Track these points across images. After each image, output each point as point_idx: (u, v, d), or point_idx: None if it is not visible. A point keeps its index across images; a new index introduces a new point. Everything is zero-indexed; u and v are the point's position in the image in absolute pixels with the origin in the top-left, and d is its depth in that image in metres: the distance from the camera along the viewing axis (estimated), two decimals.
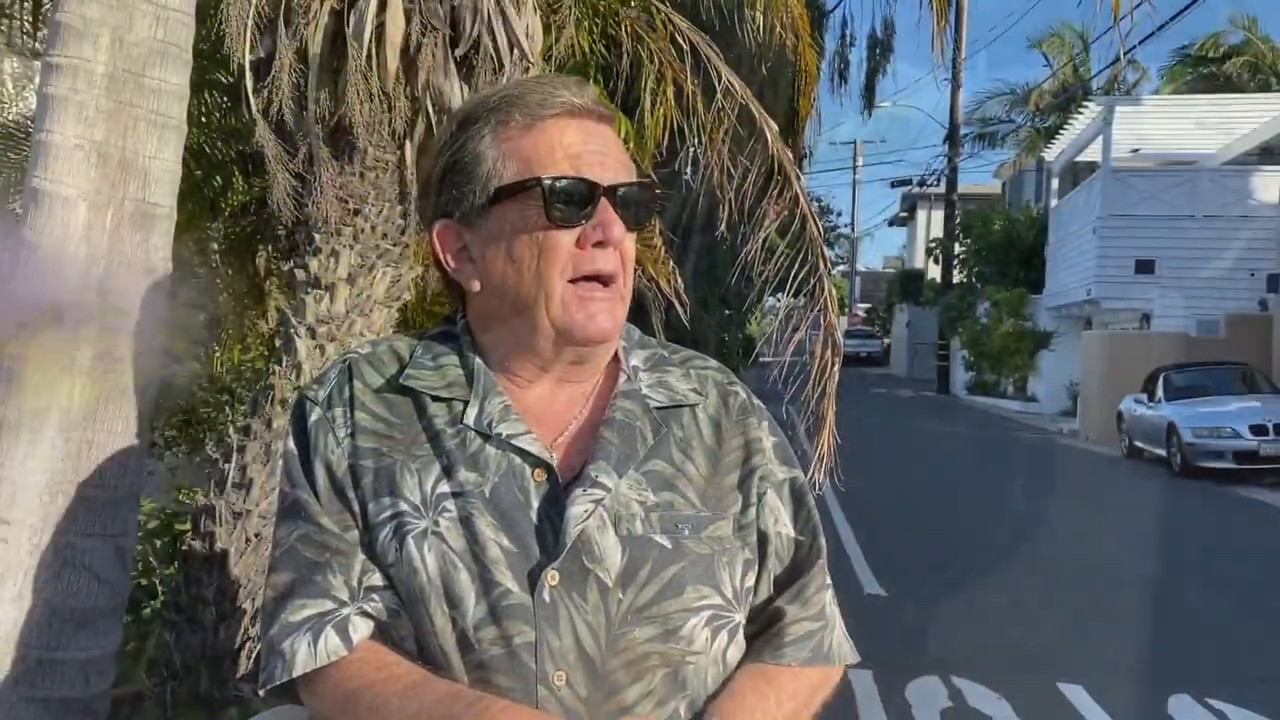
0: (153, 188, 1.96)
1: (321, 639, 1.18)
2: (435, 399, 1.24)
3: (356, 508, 1.21)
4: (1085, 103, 20.82)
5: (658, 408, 1.28)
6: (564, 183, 1.18)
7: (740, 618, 1.26)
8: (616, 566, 1.18)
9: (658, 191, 1.24)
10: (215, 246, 5.16)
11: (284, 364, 2.70)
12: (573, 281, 1.20)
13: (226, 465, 2.64)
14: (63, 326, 1.85)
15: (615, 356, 1.31)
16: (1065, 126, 21.53)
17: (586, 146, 1.20)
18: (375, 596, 1.21)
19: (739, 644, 1.27)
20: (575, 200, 1.19)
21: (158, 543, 4.40)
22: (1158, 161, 20.17)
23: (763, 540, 1.28)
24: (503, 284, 1.23)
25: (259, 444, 2.63)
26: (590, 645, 1.16)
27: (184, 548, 2.70)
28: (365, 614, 1.20)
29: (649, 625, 1.18)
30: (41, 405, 1.86)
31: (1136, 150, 19.65)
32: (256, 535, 2.59)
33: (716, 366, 1.38)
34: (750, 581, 1.27)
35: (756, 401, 1.37)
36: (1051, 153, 22.88)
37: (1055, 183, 23.11)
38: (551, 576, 1.16)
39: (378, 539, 1.20)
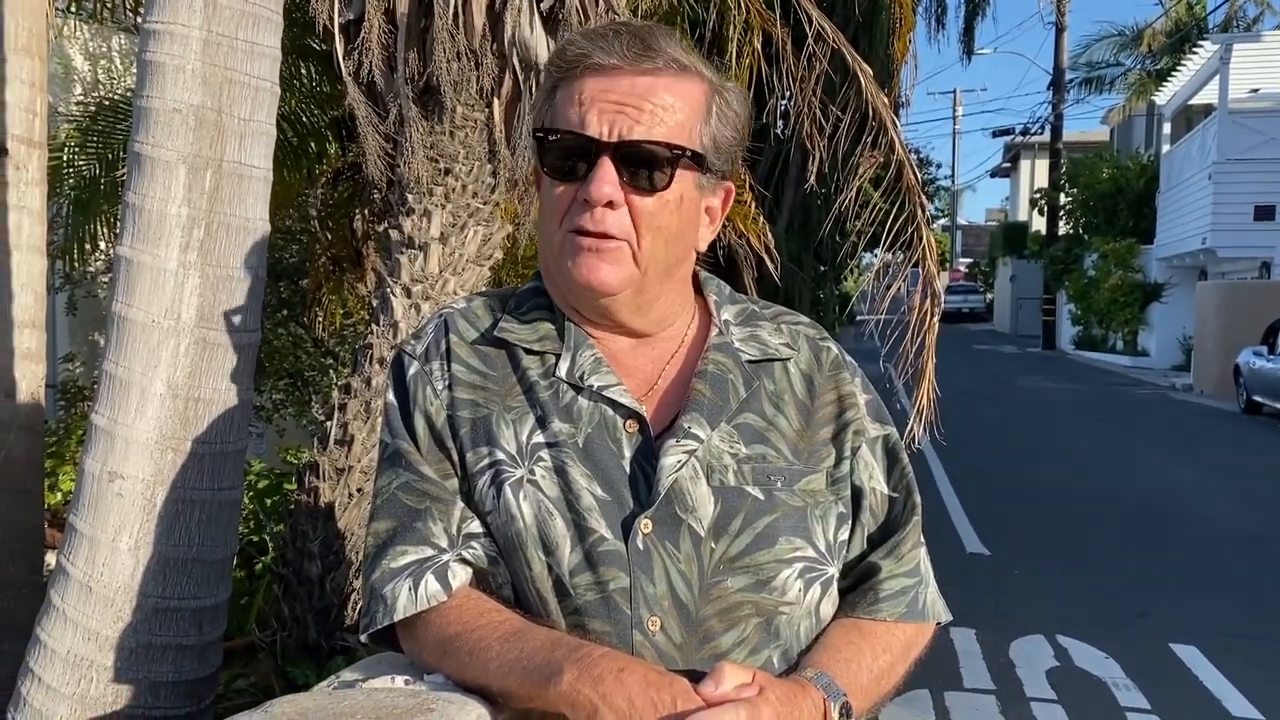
0: (248, 150, 1.99)
1: (422, 584, 1.21)
2: (528, 351, 1.26)
3: (455, 457, 1.24)
4: (1200, 42, 19.80)
5: (750, 361, 1.28)
6: (555, 136, 1.18)
7: (833, 571, 1.25)
8: (709, 517, 1.19)
9: (680, 152, 1.17)
10: (314, 212, 5.28)
11: (381, 323, 2.74)
12: (572, 231, 1.19)
13: (329, 423, 2.71)
14: (167, 286, 1.91)
15: (707, 310, 1.32)
16: (1178, 68, 20.52)
17: (605, 98, 1.17)
18: (474, 544, 1.24)
19: (832, 597, 1.27)
20: (569, 154, 1.18)
21: (267, 501, 4.55)
22: (1278, 102, 19.10)
23: (857, 495, 1.29)
24: (538, 232, 1.28)
25: (359, 402, 2.69)
26: (684, 592, 1.18)
27: (291, 504, 2.78)
28: (464, 560, 1.23)
29: (742, 575, 1.19)
30: (150, 364, 1.92)
31: (1256, 90, 18.62)
32: (359, 490, 2.65)
33: (808, 322, 1.37)
34: (844, 535, 1.27)
35: (848, 358, 1.36)
36: (1163, 96, 21.85)
37: (1167, 128, 22.10)
38: (645, 525, 1.17)
39: (476, 487, 1.23)
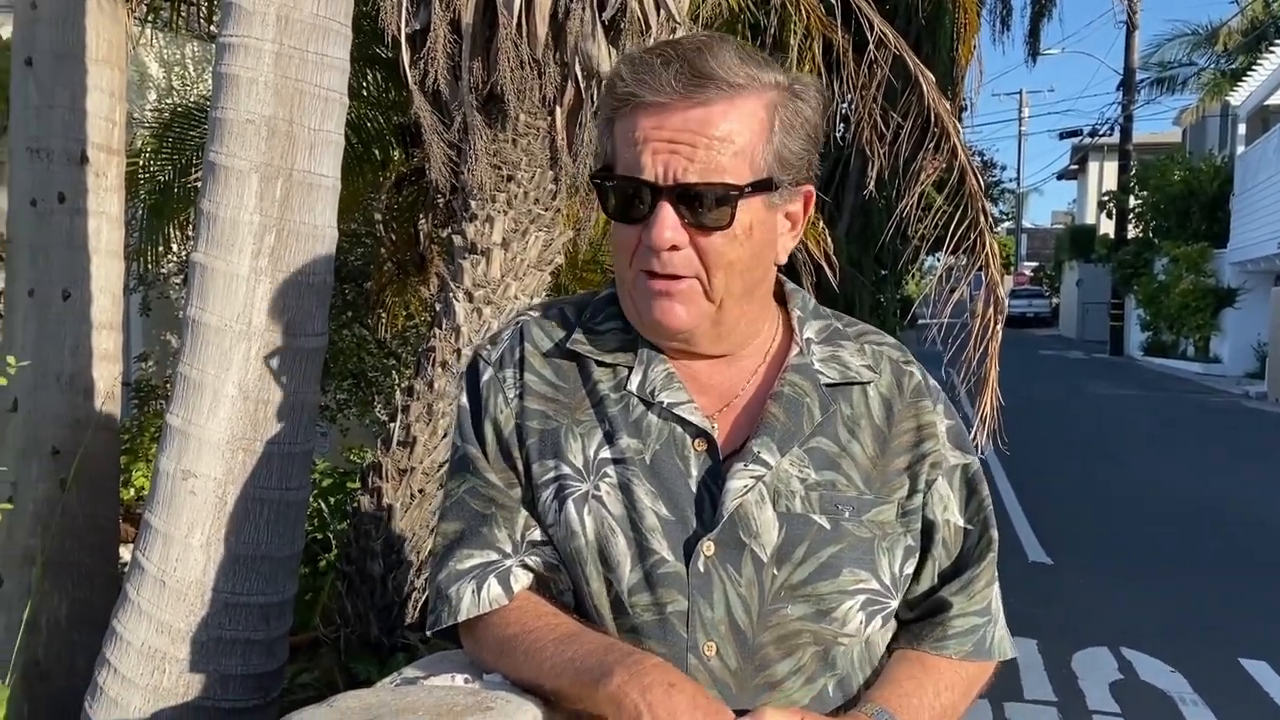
0: (318, 159, 2.05)
1: (485, 587, 1.23)
2: (600, 364, 1.25)
3: (521, 466, 1.25)
4: (1278, 40, 19.26)
5: (828, 384, 1.24)
6: (612, 182, 1.17)
7: (895, 604, 1.24)
8: (773, 543, 1.17)
9: (740, 191, 1.12)
10: (379, 216, 5.37)
11: (444, 327, 2.79)
12: (643, 271, 1.17)
13: (392, 425, 2.76)
14: (239, 291, 1.97)
15: (789, 327, 1.29)
16: (1254, 67, 20.00)
17: (658, 136, 1.12)
18: (538, 551, 1.25)
19: (889, 628, 1.27)
20: (628, 198, 1.16)
21: (331, 500, 4.65)
22: None
23: (928, 529, 1.25)
24: (612, 259, 1.27)
25: (422, 404, 2.74)
26: (742, 618, 1.17)
27: (354, 504, 2.84)
28: (526, 566, 1.25)
29: (802, 603, 1.17)
30: (222, 366, 1.98)
31: None
32: (420, 491, 2.70)
33: (893, 343, 1.33)
34: (910, 569, 1.24)
35: (933, 383, 1.31)
36: (1238, 96, 21.30)
37: (1242, 128, 21.53)
38: (707, 547, 1.16)
39: (540, 498, 1.24)
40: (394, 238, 5.22)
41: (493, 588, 1.23)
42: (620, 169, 1.16)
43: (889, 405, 1.26)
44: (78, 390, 2.90)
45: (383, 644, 2.68)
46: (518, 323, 1.32)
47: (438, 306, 2.96)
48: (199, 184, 2.43)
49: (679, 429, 1.21)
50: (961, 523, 1.27)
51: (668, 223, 1.13)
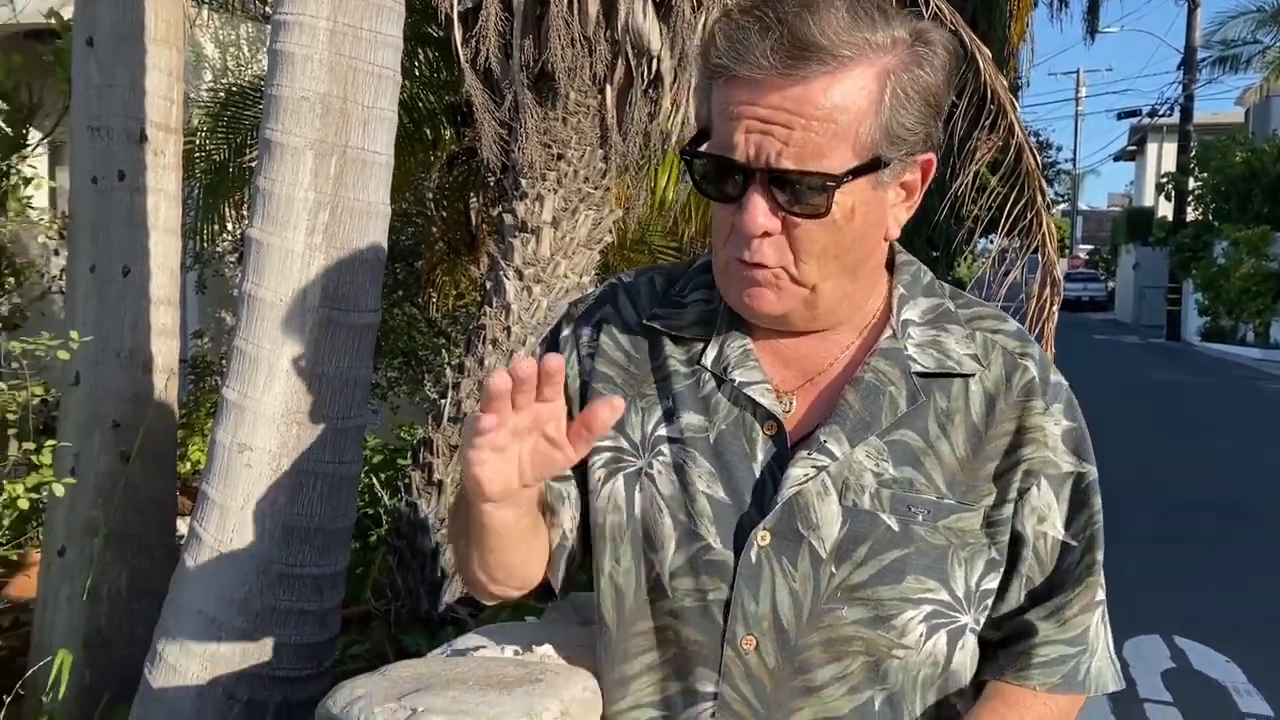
0: (371, 136, 2.06)
1: None
2: (676, 339, 1.21)
3: None
4: None
5: (920, 373, 1.14)
6: (701, 162, 1.09)
7: (968, 620, 1.14)
8: (833, 538, 1.10)
9: (837, 181, 1.03)
10: (430, 195, 5.41)
11: (494, 305, 2.81)
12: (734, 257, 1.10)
13: (443, 401, 2.79)
14: (294, 267, 1.99)
15: (889, 305, 1.18)
16: None
17: (752, 113, 1.02)
18: (554, 483, 1.22)
19: (969, 649, 1.16)
20: (719, 177, 1.08)
21: (382, 476, 4.71)
22: None
23: (1016, 541, 1.15)
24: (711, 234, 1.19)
25: (472, 381, 2.76)
26: (788, 615, 1.11)
27: (405, 479, 2.88)
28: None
29: (859, 607, 1.10)
30: (277, 341, 2.01)
31: None
32: None
33: (1013, 330, 1.19)
34: (991, 584, 1.15)
35: (1055, 379, 1.17)
36: None
37: None
38: (762, 536, 1.11)
39: (590, 464, 1.20)
40: (445, 217, 5.26)
41: None
42: (714, 141, 1.07)
43: (992, 402, 1.14)
44: (137, 365, 2.96)
45: (432, 617, 2.72)
46: (610, 285, 1.28)
47: (488, 285, 2.98)
48: (254, 163, 2.46)
49: (748, 410, 1.15)
50: (1062, 536, 1.15)
51: (759, 209, 1.04)
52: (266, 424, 2.02)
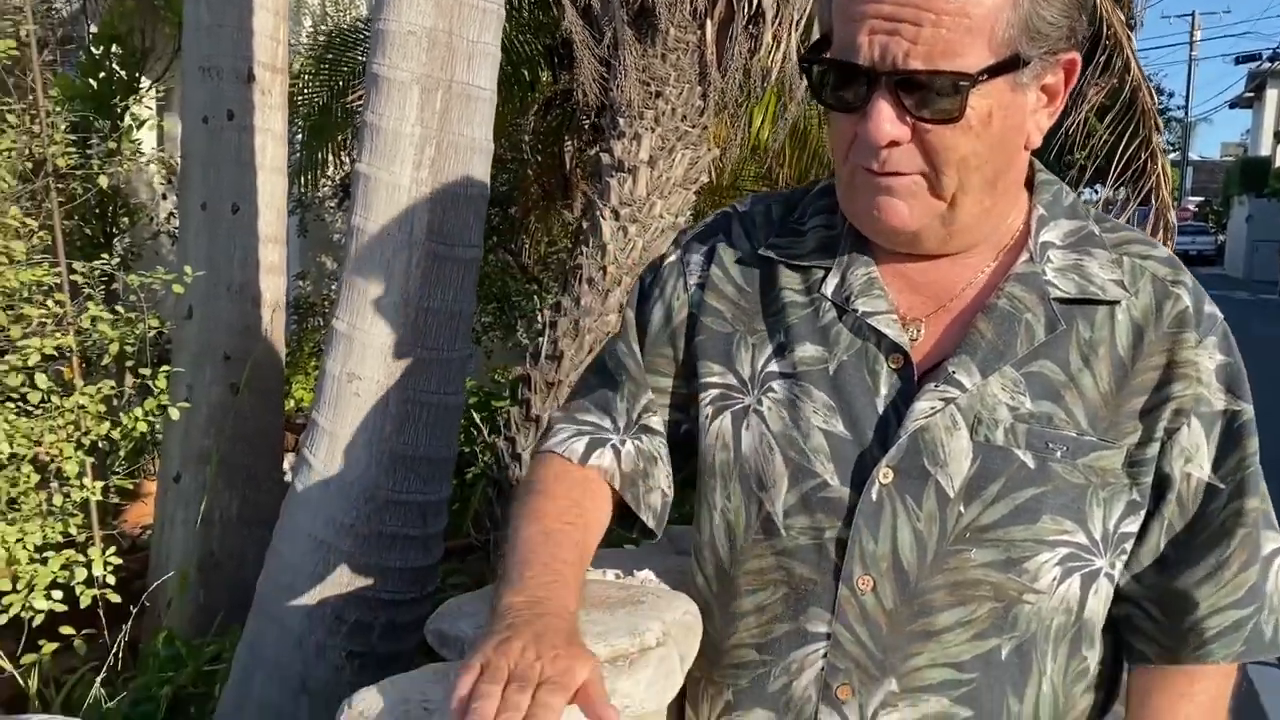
0: (476, 71, 2.08)
1: (576, 439, 1.21)
2: (793, 267, 1.15)
3: (682, 358, 1.20)
4: None
5: (1060, 299, 1.06)
6: (820, 70, 1.02)
7: (1103, 564, 1.07)
8: (962, 475, 1.04)
9: (971, 80, 0.95)
10: (526, 139, 5.43)
11: (590, 245, 2.82)
12: (860, 166, 1.04)
13: (540, 339, 2.82)
14: (401, 202, 2.03)
15: (1027, 226, 1.11)
16: None
17: (877, 12, 0.95)
18: (643, 439, 1.22)
19: (1101, 595, 1.09)
20: (840, 84, 1.01)
21: (477, 416, 4.81)
22: None
23: (1161, 484, 1.07)
24: (829, 149, 1.13)
25: (568, 320, 2.79)
26: (909, 557, 1.06)
27: (504, 415, 2.93)
28: (616, 449, 1.21)
29: (989, 549, 1.04)
30: (384, 274, 2.05)
31: None
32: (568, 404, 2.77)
33: (1163, 256, 1.10)
34: (1130, 527, 1.07)
35: (1210, 310, 1.09)
36: None
37: None
38: (884, 474, 1.06)
39: (700, 401, 1.17)
40: (540, 161, 5.28)
41: (578, 444, 1.20)
42: (835, 47, 1.00)
43: (1139, 332, 1.06)
44: (246, 300, 3.06)
45: None
46: (724, 213, 1.23)
47: (584, 225, 2.99)
48: (357, 104, 2.49)
49: (871, 340, 1.09)
50: (1207, 478, 1.07)
51: (885, 116, 0.97)
52: (374, 355, 2.07)
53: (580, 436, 1.21)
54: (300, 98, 5.46)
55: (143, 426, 2.67)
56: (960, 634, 1.06)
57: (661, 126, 2.77)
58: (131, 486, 3.48)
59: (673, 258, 1.23)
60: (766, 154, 4.80)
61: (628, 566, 1.50)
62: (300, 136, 5.61)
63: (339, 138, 5.63)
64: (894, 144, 0.99)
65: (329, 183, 7.00)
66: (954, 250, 1.09)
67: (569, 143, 4.65)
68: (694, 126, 2.82)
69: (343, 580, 2.11)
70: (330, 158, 6.01)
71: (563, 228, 6.12)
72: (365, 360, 2.07)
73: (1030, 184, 1.13)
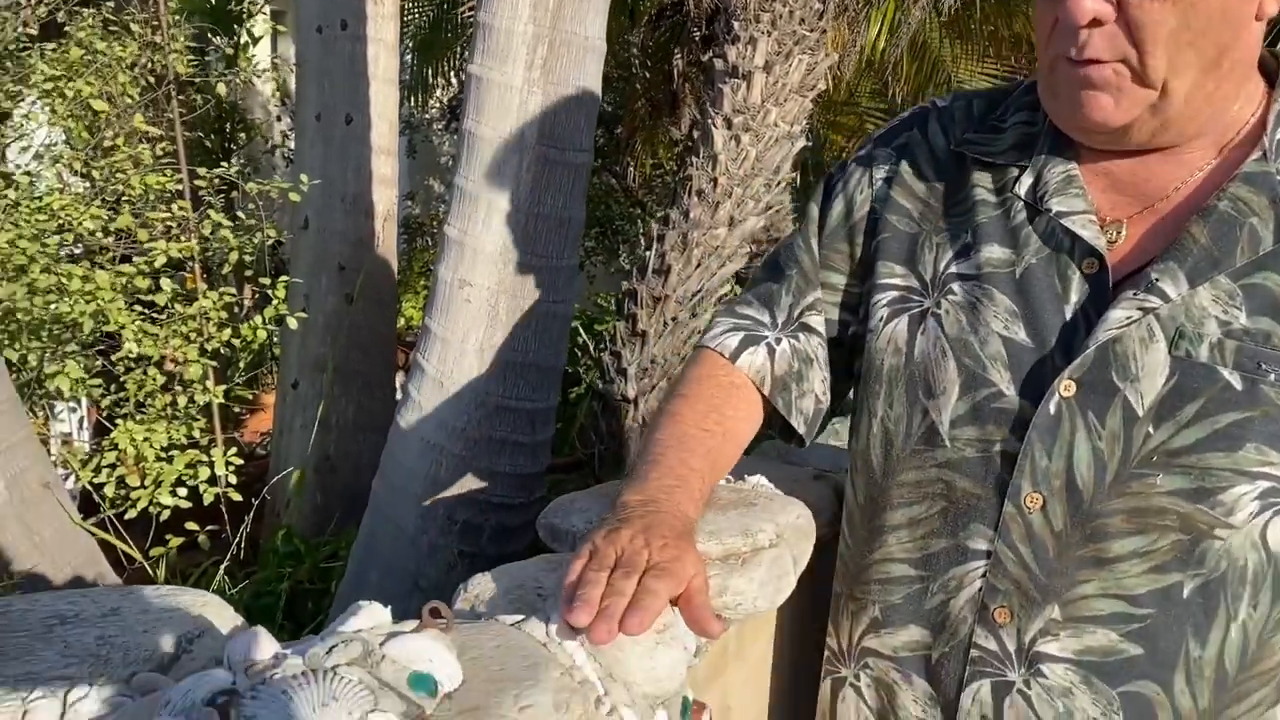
0: None
1: (730, 335, 1.20)
2: (987, 165, 1.09)
3: (859, 254, 1.17)
4: None
5: None
6: None
7: None
8: (1155, 392, 0.96)
9: None
10: (634, 55, 5.35)
11: (701, 155, 2.76)
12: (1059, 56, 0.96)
13: (647, 253, 2.79)
14: (513, 103, 2.00)
15: (1262, 119, 1.00)
16: None
17: None
18: (800, 338, 1.19)
19: None
20: None
21: (580, 339, 4.83)
22: None
23: None
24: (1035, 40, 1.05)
25: (676, 233, 2.74)
26: (1085, 476, 0.99)
27: (610, 330, 2.93)
28: (770, 348, 1.18)
29: (1179, 475, 0.96)
30: (495, 178, 2.04)
31: None
32: (673, 319, 2.74)
33: None
34: None
35: None
36: None
37: None
38: (1066, 386, 0.99)
39: (873, 301, 1.13)
40: (648, 77, 5.20)
41: (732, 339, 1.19)
42: None
43: None
44: (360, 211, 3.10)
45: (635, 463, 2.78)
46: (922, 108, 1.18)
47: (694, 137, 2.93)
48: (468, 16, 2.47)
49: (1066, 243, 1.01)
50: None
51: None
52: (485, 261, 2.07)
53: (735, 332, 1.20)
54: (409, 14, 5.46)
55: (262, 334, 2.74)
56: (1136, 565, 0.98)
57: (778, 30, 2.67)
58: (251, 397, 3.61)
59: (862, 152, 1.19)
60: (883, 68, 4.63)
61: (739, 472, 1.48)
62: (410, 58, 5.63)
63: (448, 55, 5.63)
64: (1095, 23, 0.91)
65: (438, 104, 7.03)
66: (1167, 144, 1.00)
67: (678, 56, 4.56)
68: (812, 30, 2.72)
69: (454, 483, 2.14)
70: (439, 78, 6.03)
71: (668, 148, 6.04)
72: (476, 266, 2.07)
73: (1268, 75, 1.02)
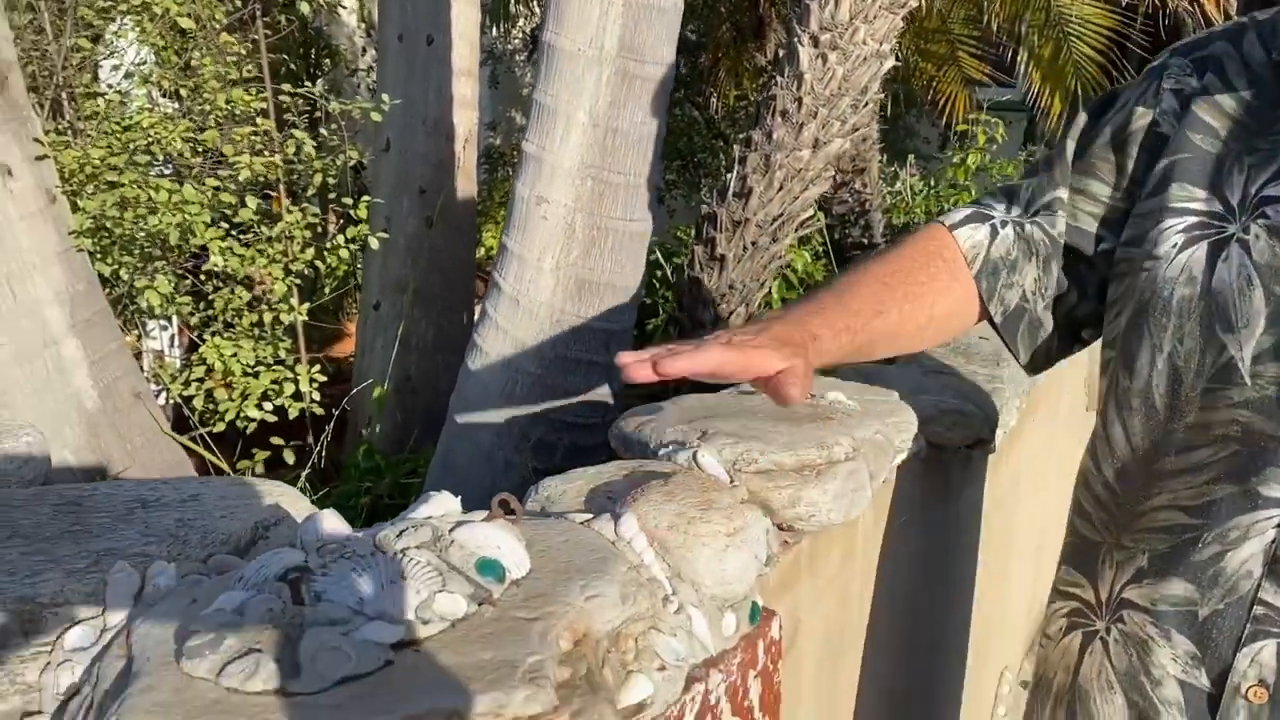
0: None
1: (961, 210, 1.18)
2: None
3: (1130, 167, 1.09)
4: None
5: None
6: None
7: None
8: None
9: None
10: None
11: (785, 75, 2.68)
12: None
13: (728, 175, 2.74)
14: (592, 15, 1.96)
15: None
16: None
17: None
18: (1028, 227, 1.14)
19: None
20: None
21: (659, 272, 4.79)
22: None
23: None
24: None
25: (759, 155, 2.68)
26: None
27: (688, 253, 2.89)
28: (994, 228, 1.15)
29: None
30: (574, 92, 2.01)
31: None
32: (753, 244, 2.69)
33: None
34: None
35: None
36: None
37: None
38: None
39: (1162, 231, 1.03)
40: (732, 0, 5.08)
41: (958, 213, 1.17)
42: None
43: None
44: (440, 134, 3.10)
45: (712, 389, 2.76)
46: (1238, 22, 1.09)
47: (780, 55, 2.85)
48: None
49: None
50: None
51: None
52: (562, 177, 2.05)
53: (967, 209, 1.17)
54: None
55: (345, 255, 2.77)
56: None
57: None
58: (336, 322, 3.67)
59: (1159, 60, 1.11)
60: None
61: (819, 389, 1.46)
62: None
63: None
64: None
65: (520, 34, 6.98)
66: None
67: None
68: None
69: (528, 401, 2.15)
70: (520, 6, 5.98)
71: (753, 76, 5.91)
72: (553, 183, 2.05)
73: None
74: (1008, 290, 1.14)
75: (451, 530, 0.83)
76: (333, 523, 0.85)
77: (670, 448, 1.23)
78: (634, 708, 0.84)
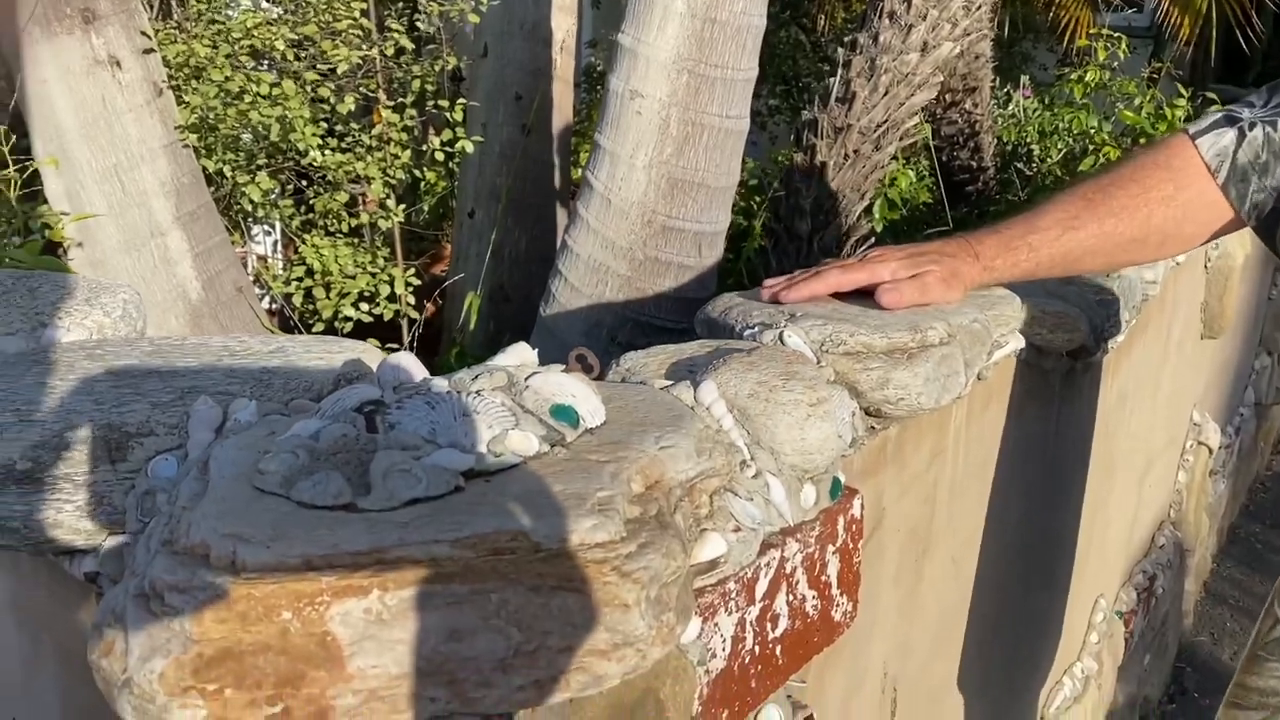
0: None
1: (1209, 116, 1.13)
2: None
3: None
4: None
5: None
6: None
7: None
8: None
9: None
10: None
11: None
12: None
13: (831, 80, 2.65)
14: None
15: None
16: None
17: None
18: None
19: None
20: None
21: (757, 199, 4.71)
22: None
23: None
24: None
25: (864, 59, 2.59)
26: None
27: (787, 161, 2.82)
28: (1241, 131, 1.10)
29: None
30: None
31: None
32: (855, 151, 2.61)
33: None
34: None
35: None
36: None
37: None
38: None
39: None
40: None
41: (1206, 119, 1.12)
42: None
43: None
44: (538, 40, 3.06)
45: None
46: None
47: None
48: None
49: None
50: None
51: None
52: (658, 70, 2.00)
53: (1215, 114, 1.12)
54: None
55: (440, 155, 2.77)
56: None
57: None
58: (434, 236, 3.70)
59: None
60: None
61: None
62: None
63: None
64: None
65: None
66: None
67: None
68: None
69: (617, 303, 2.13)
70: None
71: None
72: (648, 76, 2.01)
73: None
74: (1259, 195, 1.08)
75: (527, 378, 0.82)
76: (410, 365, 0.85)
77: (756, 329, 1.20)
78: (707, 564, 0.82)
